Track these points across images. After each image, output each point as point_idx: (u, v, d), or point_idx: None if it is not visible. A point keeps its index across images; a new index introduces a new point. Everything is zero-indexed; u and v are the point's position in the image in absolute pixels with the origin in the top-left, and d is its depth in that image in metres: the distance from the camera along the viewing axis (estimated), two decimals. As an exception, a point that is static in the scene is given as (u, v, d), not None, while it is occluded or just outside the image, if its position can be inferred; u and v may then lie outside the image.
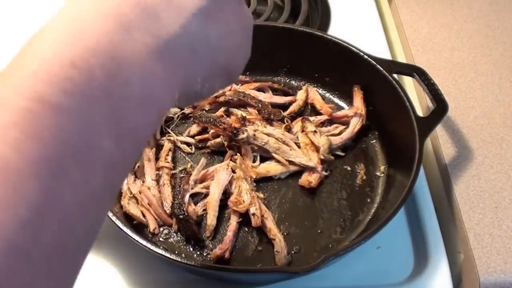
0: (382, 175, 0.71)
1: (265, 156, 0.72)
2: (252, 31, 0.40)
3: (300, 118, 0.75)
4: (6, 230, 0.22)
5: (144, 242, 0.56)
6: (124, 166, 0.29)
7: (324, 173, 0.70)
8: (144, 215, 0.66)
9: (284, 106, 0.78)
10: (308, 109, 0.79)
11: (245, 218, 0.65)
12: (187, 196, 0.65)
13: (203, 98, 0.39)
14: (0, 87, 0.25)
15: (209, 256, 0.63)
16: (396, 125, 0.72)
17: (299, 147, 0.72)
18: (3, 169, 0.23)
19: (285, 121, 0.75)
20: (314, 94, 0.80)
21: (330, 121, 0.77)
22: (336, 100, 0.81)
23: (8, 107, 0.24)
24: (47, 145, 0.24)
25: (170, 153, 0.72)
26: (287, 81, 0.83)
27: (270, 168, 0.71)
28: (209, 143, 0.74)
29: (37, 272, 0.23)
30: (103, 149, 0.26)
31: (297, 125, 0.75)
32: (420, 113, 0.74)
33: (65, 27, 0.27)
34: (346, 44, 0.76)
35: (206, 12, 0.33)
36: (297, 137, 0.73)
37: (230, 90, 0.77)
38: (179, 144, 0.74)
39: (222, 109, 0.76)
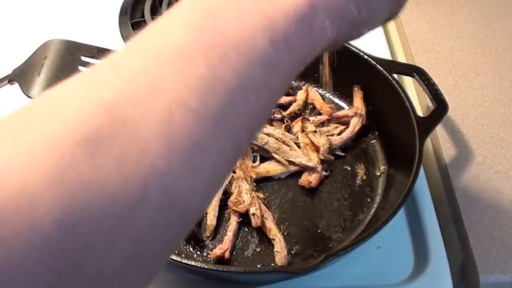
0: (382, 175, 0.71)
1: (265, 156, 0.72)
2: None
3: (300, 118, 0.75)
4: (178, 93, 0.27)
5: (144, 242, 0.56)
6: (279, 75, 0.32)
7: (324, 173, 0.70)
8: (144, 215, 0.65)
9: (284, 106, 0.78)
10: (308, 109, 0.79)
11: (245, 218, 0.65)
12: (187, 196, 0.65)
13: (368, 27, 0.39)
14: (175, 8, 0.31)
15: (209, 256, 0.63)
16: (396, 125, 0.72)
17: (299, 147, 0.72)
18: (174, 49, 0.28)
19: (285, 121, 0.75)
20: (314, 94, 0.80)
21: (330, 121, 0.77)
22: (336, 100, 0.81)
23: (180, 16, 0.30)
24: (210, 36, 0.29)
25: (170, 153, 0.72)
26: (287, 81, 0.83)
27: (270, 168, 0.71)
28: (209, 143, 0.73)
29: (204, 134, 0.27)
30: (259, 48, 0.30)
31: (297, 125, 0.75)
32: (420, 113, 0.73)
33: None
34: (346, 44, 0.76)
35: None
36: (297, 137, 0.73)
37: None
38: (179, 144, 0.74)
39: (222, 109, 0.76)
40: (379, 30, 0.94)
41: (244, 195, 0.65)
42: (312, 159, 0.70)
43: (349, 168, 0.72)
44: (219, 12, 0.30)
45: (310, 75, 0.82)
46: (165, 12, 0.31)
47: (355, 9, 0.36)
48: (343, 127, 0.75)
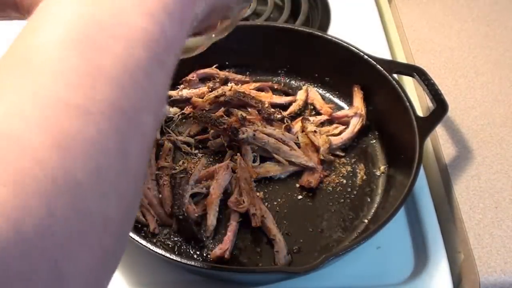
0: (382, 175, 0.71)
1: (265, 156, 0.72)
2: None
3: (300, 118, 0.75)
4: (61, 92, 0.25)
5: (144, 242, 0.56)
6: (169, 44, 0.31)
7: (324, 173, 0.70)
8: (144, 215, 0.66)
9: (284, 106, 0.78)
10: (308, 109, 0.79)
11: (245, 218, 0.65)
12: (187, 196, 0.65)
13: None
14: None
15: (209, 256, 0.63)
16: (396, 125, 0.72)
17: (299, 147, 0.72)
18: (47, 57, 0.27)
19: (285, 121, 0.75)
20: (314, 94, 0.80)
21: (330, 121, 0.77)
22: (336, 100, 0.81)
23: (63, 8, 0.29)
24: (84, 24, 0.28)
25: (170, 153, 0.72)
26: (287, 81, 0.83)
27: (270, 168, 0.71)
28: (209, 143, 0.73)
29: (100, 126, 0.26)
30: (137, 26, 0.29)
31: (297, 125, 0.75)
32: (420, 113, 0.74)
33: None
34: (346, 44, 0.76)
35: None
36: (297, 137, 0.73)
37: (230, 90, 0.77)
38: (179, 144, 0.74)
39: (222, 109, 0.76)
40: (379, 30, 0.94)
41: (244, 195, 0.65)
42: (312, 159, 0.70)
43: (349, 168, 0.72)
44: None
45: (310, 75, 0.82)
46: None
47: None
48: (343, 127, 0.75)
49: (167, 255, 0.56)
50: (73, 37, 0.27)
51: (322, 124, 0.76)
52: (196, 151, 0.74)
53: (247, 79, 0.82)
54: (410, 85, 0.84)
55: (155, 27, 0.30)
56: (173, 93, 0.78)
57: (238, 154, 0.70)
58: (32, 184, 0.23)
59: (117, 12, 0.29)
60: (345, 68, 0.77)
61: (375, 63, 0.73)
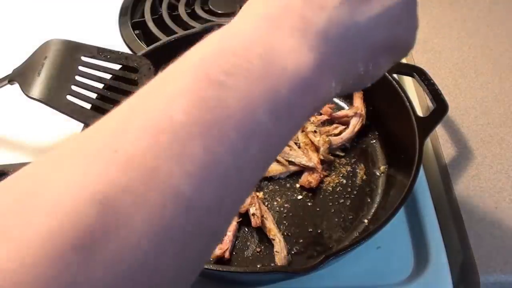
0: (382, 175, 0.71)
1: (265, 156, 0.72)
2: None
3: (300, 118, 0.75)
4: (174, 180, 0.26)
5: (144, 242, 0.56)
6: (278, 143, 0.32)
7: (324, 173, 0.70)
8: (144, 215, 0.65)
9: (284, 106, 0.78)
10: (308, 109, 0.79)
11: (245, 218, 0.65)
12: (187, 196, 0.65)
13: (373, 79, 0.40)
14: (179, 66, 0.30)
15: (209, 256, 0.63)
16: (396, 125, 0.72)
17: (299, 147, 0.72)
18: (173, 128, 0.27)
19: (285, 121, 0.75)
20: (314, 94, 0.79)
21: (330, 121, 0.77)
22: (336, 100, 0.81)
23: (181, 79, 0.29)
24: (211, 112, 0.28)
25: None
26: (287, 81, 0.83)
27: (270, 168, 0.70)
28: (209, 143, 0.73)
29: (197, 224, 0.27)
30: (260, 123, 0.29)
31: (297, 125, 0.75)
32: (420, 113, 0.74)
33: (227, 31, 0.33)
34: (346, 44, 0.76)
35: (350, 0, 0.34)
36: (297, 137, 0.73)
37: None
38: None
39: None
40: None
41: (244, 195, 0.65)
42: (312, 159, 0.70)
43: (349, 168, 0.72)
44: (223, 79, 0.29)
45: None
46: (166, 70, 0.30)
47: (362, 66, 0.36)
48: (343, 127, 0.75)
49: (167, 255, 0.55)
50: (200, 122, 0.28)
51: (322, 124, 0.76)
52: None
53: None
54: (410, 85, 0.84)
55: (275, 128, 0.31)
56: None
57: (238, 154, 0.70)
58: (126, 266, 0.25)
59: (246, 104, 0.29)
60: (345, 68, 0.77)
61: (375, 63, 0.73)
